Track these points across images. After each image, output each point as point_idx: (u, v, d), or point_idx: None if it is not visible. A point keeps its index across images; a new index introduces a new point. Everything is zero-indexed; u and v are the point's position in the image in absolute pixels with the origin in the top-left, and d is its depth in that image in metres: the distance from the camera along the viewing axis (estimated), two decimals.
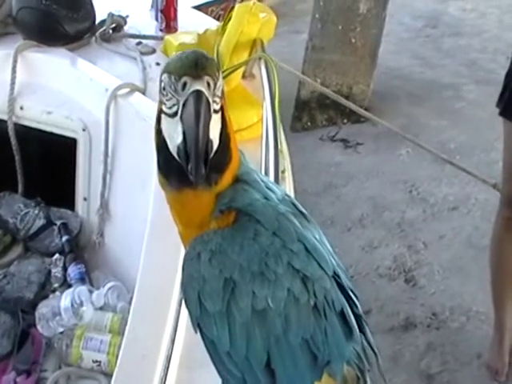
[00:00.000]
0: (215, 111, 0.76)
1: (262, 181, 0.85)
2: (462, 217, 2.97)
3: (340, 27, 4.12)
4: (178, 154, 0.76)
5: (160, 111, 0.78)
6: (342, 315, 0.81)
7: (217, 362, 0.80)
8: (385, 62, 4.66)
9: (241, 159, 0.84)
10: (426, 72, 4.68)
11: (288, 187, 1.65)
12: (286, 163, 1.70)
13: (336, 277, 0.83)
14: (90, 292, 1.60)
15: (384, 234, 2.89)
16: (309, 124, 4.18)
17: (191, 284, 0.79)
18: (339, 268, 0.85)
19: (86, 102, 1.95)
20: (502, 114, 1.94)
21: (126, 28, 2.37)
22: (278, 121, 1.56)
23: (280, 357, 0.77)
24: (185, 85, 0.74)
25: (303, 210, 0.88)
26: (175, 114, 0.76)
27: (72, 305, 1.55)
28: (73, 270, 1.74)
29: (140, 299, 1.25)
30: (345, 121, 4.14)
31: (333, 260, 0.85)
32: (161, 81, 0.77)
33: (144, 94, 1.89)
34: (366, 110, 3.97)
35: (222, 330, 0.77)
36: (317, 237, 0.85)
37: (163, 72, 0.77)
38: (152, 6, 2.54)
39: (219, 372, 0.81)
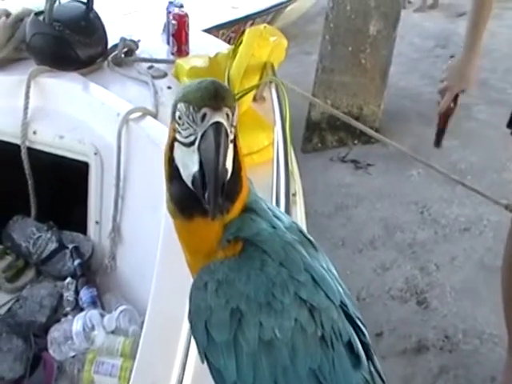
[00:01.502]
0: (231, 141, 0.77)
1: (270, 209, 0.86)
2: (473, 238, 2.96)
3: (350, 49, 4.15)
4: (193, 182, 0.76)
5: (173, 139, 0.78)
6: (350, 345, 0.81)
7: None
8: (395, 82, 4.68)
9: (249, 188, 0.84)
10: (435, 92, 4.68)
11: (299, 210, 1.65)
12: (296, 186, 1.70)
13: (343, 306, 0.83)
14: (102, 316, 1.60)
15: (396, 256, 2.88)
16: (319, 145, 4.19)
17: (198, 314, 0.79)
18: (346, 296, 0.85)
19: (98, 126, 1.97)
20: (508, 126, 1.94)
21: (137, 52, 2.40)
22: (289, 144, 1.57)
23: None
24: (204, 116, 0.74)
25: (310, 238, 0.88)
26: (192, 143, 0.75)
27: (84, 329, 1.55)
28: (84, 294, 1.75)
29: (151, 324, 1.25)
30: (355, 142, 4.15)
31: (340, 289, 0.85)
32: (176, 109, 0.77)
33: (156, 118, 1.91)
34: (376, 130, 3.99)
35: (228, 359, 0.77)
36: (324, 266, 0.85)
37: (180, 101, 0.77)
38: (163, 30, 2.57)
39: None
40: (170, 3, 2.52)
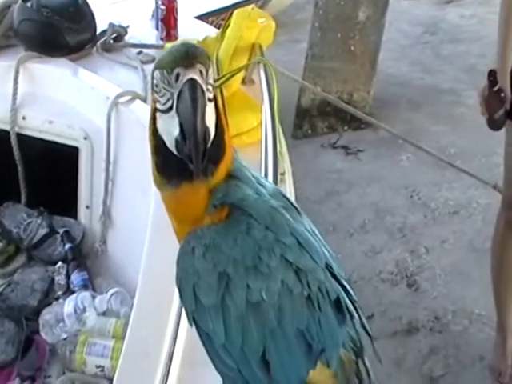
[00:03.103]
0: (209, 100, 0.77)
1: (254, 176, 0.87)
2: (463, 221, 2.98)
3: (339, 35, 4.15)
4: (177, 146, 0.76)
5: (154, 110, 0.79)
6: (338, 303, 0.83)
7: (212, 355, 0.81)
8: (385, 68, 4.68)
9: (233, 155, 0.85)
10: (425, 78, 4.70)
11: (288, 189, 1.66)
12: (285, 166, 1.71)
13: (329, 267, 0.84)
14: (93, 297, 1.61)
15: (386, 240, 2.89)
16: (310, 131, 4.19)
17: (186, 278, 0.80)
18: (332, 258, 0.86)
19: (88, 110, 1.97)
20: (509, 116, 1.95)
21: (126, 38, 2.40)
22: (277, 124, 1.58)
23: (275, 348, 0.78)
24: (178, 76, 0.75)
25: (295, 204, 0.89)
26: (170, 108, 0.76)
27: (75, 310, 1.56)
28: (76, 278, 1.76)
29: (141, 300, 1.26)
30: (345, 128, 4.15)
31: (325, 251, 0.86)
32: (152, 79, 0.78)
33: (145, 101, 1.91)
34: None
35: (217, 323, 0.78)
36: (309, 229, 0.86)
37: (154, 69, 0.78)
38: (152, 16, 2.56)
39: (215, 365, 0.82)
40: None
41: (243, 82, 2.00)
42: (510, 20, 1.87)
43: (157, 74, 0.77)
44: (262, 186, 0.86)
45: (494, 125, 1.89)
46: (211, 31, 2.37)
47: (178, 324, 1.15)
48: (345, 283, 0.86)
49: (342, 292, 0.84)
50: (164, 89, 0.76)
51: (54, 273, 1.78)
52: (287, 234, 0.81)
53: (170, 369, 1.06)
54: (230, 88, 1.81)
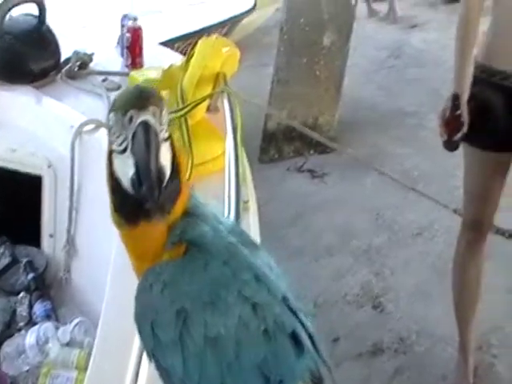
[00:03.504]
0: (164, 139, 0.79)
1: (211, 213, 0.88)
2: (426, 242, 3.03)
3: (305, 60, 4.22)
4: (133, 186, 0.78)
5: (110, 152, 0.81)
6: (294, 336, 0.84)
7: None
8: (350, 93, 4.76)
9: (190, 192, 0.87)
10: (390, 102, 4.80)
11: (251, 217, 1.67)
12: (249, 193, 1.73)
13: (286, 300, 0.86)
14: (56, 328, 1.60)
15: (351, 262, 2.93)
16: (276, 156, 4.23)
17: (144, 315, 0.82)
18: (289, 292, 0.88)
19: (51, 138, 1.97)
20: (463, 140, 2.01)
21: (91, 65, 2.40)
22: (241, 152, 1.60)
23: (233, 382, 0.79)
24: (131, 118, 0.77)
25: (252, 240, 0.92)
26: (125, 149, 0.78)
27: (37, 342, 1.54)
28: (38, 308, 1.74)
29: (104, 331, 1.26)
30: (311, 151, 4.20)
31: (282, 285, 0.88)
32: (108, 121, 0.80)
33: None
34: (331, 140, 4.06)
35: (175, 358, 0.79)
36: (266, 263, 0.88)
37: (109, 112, 0.80)
38: (118, 43, 2.58)
39: None
40: (125, 16, 2.53)
41: (208, 110, 2.02)
42: (467, 43, 1.91)
43: (111, 116, 0.79)
44: (219, 222, 0.88)
45: (451, 146, 1.96)
46: (176, 58, 2.39)
47: (140, 356, 1.15)
48: (301, 316, 0.88)
49: (299, 325, 0.86)
50: (119, 130, 0.78)
51: (16, 303, 1.75)
52: (244, 270, 0.83)
53: None
54: (195, 117, 1.83)
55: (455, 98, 1.90)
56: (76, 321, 1.64)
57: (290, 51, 4.21)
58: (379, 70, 5.86)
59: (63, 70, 2.32)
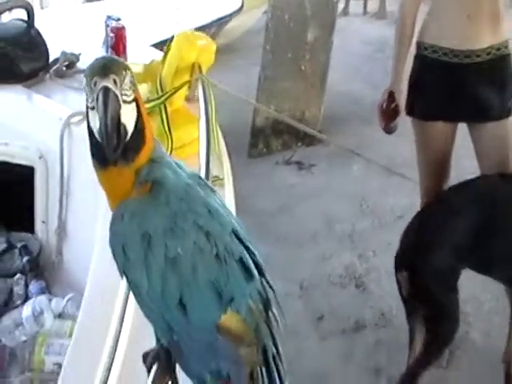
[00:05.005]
0: (126, 102, 0.94)
1: (174, 161, 1.04)
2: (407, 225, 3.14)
3: (290, 56, 4.34)
4: (100, 136, 0.93)
5: (87, 107, 0.96)
6: (242, 262, 0.99)
7: (140, 302, 0.98)
8: (336, 87, 4.89)
9: (155, 145, 1.02)
10: (375, 94, 4.88)
11: (227, 193, 1.79)
12: (225, 171, 1.85)
13: (235, 232, 1.01)
14: (50, 300, 1.72)
15: (336, 246, 3.05)
16: (265, 150, 4.35)
17: (117, 239, 0.97)
18: (239, 226, 1.03)
19: (42, 132, 2.10)
20: (408, 113, 2.16)
21: (78, 64, 2.53)
22: (216, 133, 1.73)
23: (190, 295, 0.94)
24: (95, 83, 0.92)
25: (209, 184, 1.07)
26: (94, 107, 0.94)
27: (33, 313, 1.67)
28: (34, 287, 1.87)
29: (89, 300, 1.38)
30: (299, 144, 4.33)
31: (232, 220, 1.03)
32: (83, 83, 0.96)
33: None
34: (318, 132, 4.19)
35: (141, 274, 0.94)
36: (219, 202, 1.03)
37: (84, 76, 0.96)
38: (103, 44, 2.71)
39: (144, 312, 0.98)
40: (108, 17, 2.66)
41: (187, 99, 2.15)
42: (402, 41, 2.10)
43: (83, 80, 0.95)
44: (180, 168, 1.03)
45: (389, 130, 2.26)
46: (158, 56, 2.52)
47: (120, 326, 1.26)
48: (249, 245, 1.02)
49: (245, 253, 1.00)
50: (89, 92, 0.94)
51: (13, 284, 1.88)
52: (199, 205, 0.98)
53: (114, 357, 1.18)
54: (173, 104, 1.96)
55: (391, 94, 2.10)
56: (68, 296, 1.77)
57: (276, 48, 4.33)
58: (365, 64, 5.99)
59: (52, 70, 2.44)
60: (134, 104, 0.96)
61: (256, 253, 1.02)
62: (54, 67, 2.45)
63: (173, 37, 2.08)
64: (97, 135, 0.94)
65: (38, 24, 2.51)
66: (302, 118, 4.32)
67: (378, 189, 3.52)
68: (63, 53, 2.50)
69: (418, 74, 2.11)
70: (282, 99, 4.30)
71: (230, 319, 0.95)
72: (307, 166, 4.02)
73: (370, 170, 3.73)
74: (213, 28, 5.31)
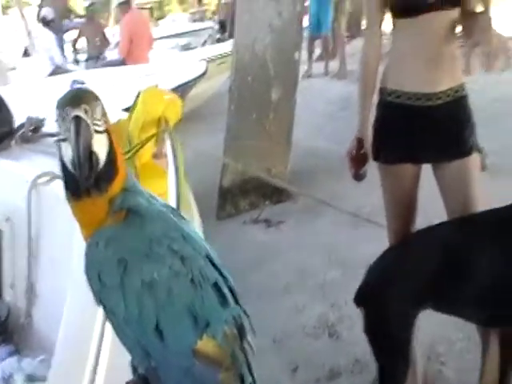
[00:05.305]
0: (98, 132, 0.97)
1: (146, 191, 1.08)
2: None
3: (254, 116, 4.43)
4: (73, 167, 0.96)
5: (58, 141, 0.99)
6: (217, 287, 1.01)
7: (116, 328, 0.99)
8: (302, 145, 4.99)
9: (128, 176, 1.05)
10: (340, 150, 5.00)
11: None
12: (196, 224, 1.87)
13: (209, 257, 1.03)
14: (20, 362, 1.69)
15: (308, 298, 3.06)
16: (233, 211, 4.38)
17: (93, 265, 0.98)
18: (212, 252, 1.06)
19: (8, 194, 2.11)
20: (375, 159, 2.22)
21: (44, 129, 2.56)
22: (183, 182, 1.77)
23: (166, 319, 0.96)
24: (67, 113, 0.96)
25: (181, 214, 1.11)
26: (65, 138, 0.97)
27: (3, 377, 1.63)
28: (2, 351, 1.83)
29: (59, 362, 1.36)
30: (266, 202, 4.38)
31: (205, 245, 1.06)
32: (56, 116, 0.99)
33: None
34: (285, 189, 4.25)
35: (118, 300, 0.96)
36: (191, 229, 1.07)
37: (55, 108, 0.99)
38: None
39: (120, 339, 0.99)
40: (74, 81, 2.73)
41: (155, 156, 2.19)
42: (368, 85, 2.18)
43: (56, 112, 0.98)
44: (152, 197, 1.07)
45: (359, 177, 2.28)
46: (124, 116, 2.57)
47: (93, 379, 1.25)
48: (223, 270, 1.04)
49: (220, 279, 1.02)
50: (61, 123, 0.97)
51: None
52: (173, 230, 1.01)
53: None
54: (141, 158, 2.00)
55: (359, 141, 2.17)
56: (39, 358, 1.74)
57: (240, 108, 4.43)
58: (330, 122, 6.15)
59: (17, 135, 2.47)
60: (105, 134, 0.99)
61: (230, 279, 1.04)
62: (19, 132, 2.48)
63: (139, 93, 2.13)
64: (69, 166, 0.96)
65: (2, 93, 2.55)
66: (268, 175, 4.37)
67: (346, 240, 3.57)
68: (29, 118, 2.54)
69: (381, 120, 2.18)
70: (248, 158, 4.34)
71: (206, 344, 0.97)
72: (275, 223, 4.07)
73: (338, 223, 3.79)
74: (177, 93, 5.42)
